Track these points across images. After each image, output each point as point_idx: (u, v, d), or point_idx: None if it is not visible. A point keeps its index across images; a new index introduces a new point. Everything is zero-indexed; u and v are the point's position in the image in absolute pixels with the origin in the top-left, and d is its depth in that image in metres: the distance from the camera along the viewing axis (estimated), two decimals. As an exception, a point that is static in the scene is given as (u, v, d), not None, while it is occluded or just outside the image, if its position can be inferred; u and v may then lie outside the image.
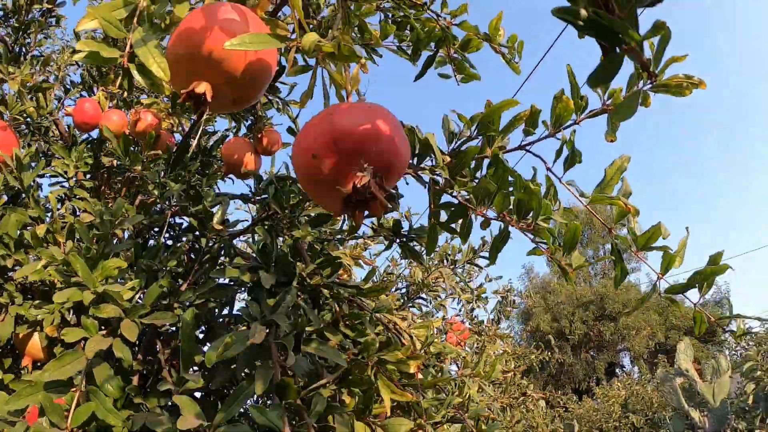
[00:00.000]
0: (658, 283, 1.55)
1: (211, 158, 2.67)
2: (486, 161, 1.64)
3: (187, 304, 1.56)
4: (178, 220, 2.35)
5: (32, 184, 2.31)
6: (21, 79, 2.37)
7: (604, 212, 1.70)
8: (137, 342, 1.59)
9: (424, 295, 4.61)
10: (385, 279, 4.63)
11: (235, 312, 1.75)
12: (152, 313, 1.49)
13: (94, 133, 2.69)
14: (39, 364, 1.94)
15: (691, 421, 15.09)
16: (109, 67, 2.78)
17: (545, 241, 1.51)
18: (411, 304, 4.52)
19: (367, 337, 1.75)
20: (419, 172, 1.66)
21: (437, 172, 1.59)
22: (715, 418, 14.51)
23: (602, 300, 29.91)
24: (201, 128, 2.47)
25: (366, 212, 1.08)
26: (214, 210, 1.92)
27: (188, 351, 1.18)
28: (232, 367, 1.66)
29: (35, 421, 1.39)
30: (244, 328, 1.20)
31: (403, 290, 4.53)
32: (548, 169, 1.61)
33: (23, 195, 2.05)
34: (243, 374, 1.25)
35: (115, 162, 2.47)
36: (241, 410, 1.42)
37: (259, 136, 2.57)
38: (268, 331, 1.18)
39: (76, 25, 0.97)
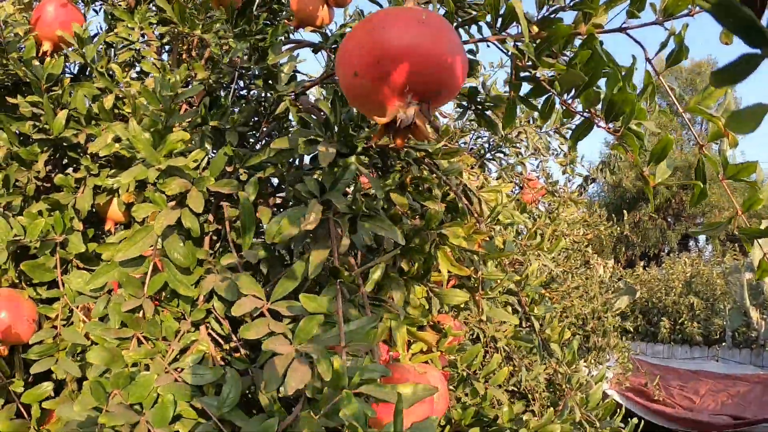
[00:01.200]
0: (734, 220, 1.42)
1: (282, 4, 2.54)
2: (579, 41, 1.47)
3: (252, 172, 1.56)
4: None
5: (98, 54, 2.31)
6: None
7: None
8: (207, 206, 1.63)
9: (505, 150, 4.49)
10: (466, 126, 4.45)
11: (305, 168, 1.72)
12: (218, 181, 1.51)
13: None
14: (122, 225, 2.04)
15: (749, 320, 14.78)
16: None
17: (631, 148, 1.37)
18: (491, 157, 4.43)
19: (431, 202, 1.72)
20: (500, 41, 1.51)
21: (521, 42, 1.45)
22: (773, 325, 14.18)
23: (690, 168, 28.52)
24: None
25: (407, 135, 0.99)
26: (283, 61, 1.83)
27: (248, 226, 1.21)
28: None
29: (118, 291, 1.49)
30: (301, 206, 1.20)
31: (484, 139, 4.37)
32: (648, 60, 1.41)
33: (89, 69, 2.06)
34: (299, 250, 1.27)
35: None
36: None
37: None
38: (324, 208, 1.18)
39: None
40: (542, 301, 1.83)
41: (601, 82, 1.42)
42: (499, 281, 1.69)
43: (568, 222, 4.78)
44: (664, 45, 1.41)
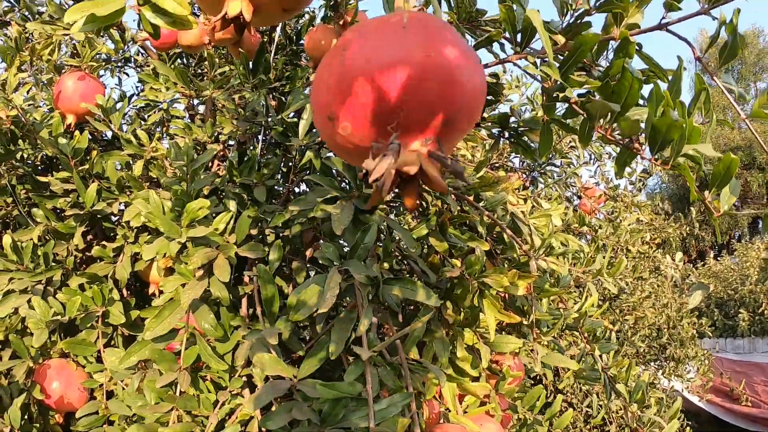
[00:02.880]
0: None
1: (300, 46, 2.51)
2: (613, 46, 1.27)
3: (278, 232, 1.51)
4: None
5: (130, 118, 2.33)
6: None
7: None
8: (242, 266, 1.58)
9: (557, 162, 4.29)
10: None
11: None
12: (244, 244, 1.47)
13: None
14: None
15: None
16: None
17: (686, 179, 1.14)
18: (542, 170, 4.25)
19: (475, 242, 1.62)
20: (523, 61, 1.37)
21: (545, 61, 1.27)
22: None
23: (751, 147, 27.07)
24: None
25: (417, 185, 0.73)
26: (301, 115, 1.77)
27: (271, 300, 1.14)
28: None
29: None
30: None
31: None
32: (698, 59, 1.18)
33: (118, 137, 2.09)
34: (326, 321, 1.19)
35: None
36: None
37: (341, 22, 2.28)
38: (347, 276, 1.09)
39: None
40: (604, 337, 1.68)
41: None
42: (555, 322, 1.56)
43: (631, 232, 4.50)
44: (714, 38, 1.19)
